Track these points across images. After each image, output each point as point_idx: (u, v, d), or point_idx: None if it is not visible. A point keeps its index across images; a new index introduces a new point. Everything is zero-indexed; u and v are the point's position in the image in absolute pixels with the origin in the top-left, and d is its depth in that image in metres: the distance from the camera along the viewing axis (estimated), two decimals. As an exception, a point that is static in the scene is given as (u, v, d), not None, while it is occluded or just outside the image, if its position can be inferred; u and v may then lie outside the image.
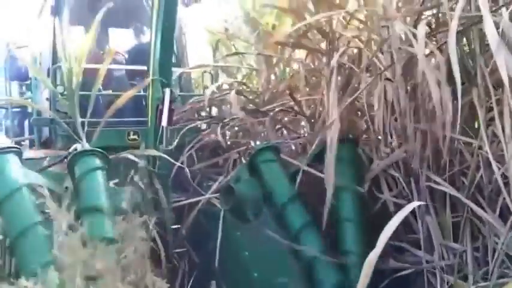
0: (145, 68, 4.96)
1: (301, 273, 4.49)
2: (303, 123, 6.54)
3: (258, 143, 5.53)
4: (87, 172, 4.43)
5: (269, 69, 6.64)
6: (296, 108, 6.09)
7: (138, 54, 6.87)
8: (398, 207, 4.91)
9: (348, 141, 4.95)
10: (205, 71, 7.00)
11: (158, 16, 4.60)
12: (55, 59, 6.15)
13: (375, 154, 5.16)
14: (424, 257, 4.75)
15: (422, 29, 4.33)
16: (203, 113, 6.79)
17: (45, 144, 6.32)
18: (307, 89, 6.14)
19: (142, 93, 5.40)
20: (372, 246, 2.99)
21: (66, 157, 4.59)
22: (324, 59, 5.58)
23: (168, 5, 4.53)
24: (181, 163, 5.40)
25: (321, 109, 5.63)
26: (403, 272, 4.82)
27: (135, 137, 5.78)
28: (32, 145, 6.73)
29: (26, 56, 7.11)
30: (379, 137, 5.14)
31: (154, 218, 4.55)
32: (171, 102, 4.52)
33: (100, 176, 4.45)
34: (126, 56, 7.81)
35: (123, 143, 5.71)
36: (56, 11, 6.62)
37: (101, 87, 5.89)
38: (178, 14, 5.79)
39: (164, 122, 4.50)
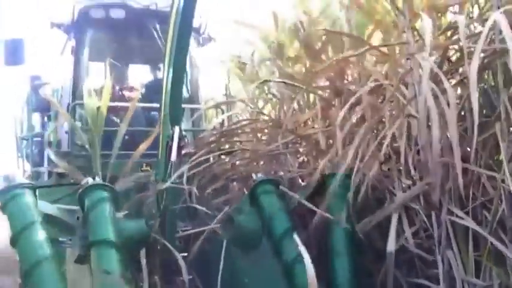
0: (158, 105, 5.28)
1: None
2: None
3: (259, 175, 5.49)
4: (96, 205, 4.67)
5: (291, 99, 6.64)
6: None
7: (153, 90, 7.17)
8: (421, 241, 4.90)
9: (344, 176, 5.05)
10: (217, 107, 7.41)
11: (170, 56, 4.85)
12: (75, 95, 6.75)
13: (397, 186, 5.10)
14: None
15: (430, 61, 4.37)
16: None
17: (63, 175, 6.46)
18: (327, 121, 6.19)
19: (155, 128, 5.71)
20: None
21: (78, 189, 4.85)
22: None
23: (179, 44, 4.75)
24: (190, 193, 5.56)
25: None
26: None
27: (148, 168, 6.08)
28: (50, 175, 6.88)
29: (48, 90, 7.59)
30: (400, 169, 5.09)
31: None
32: (179, 139, 4.83)
33: (107, 210, 4.68)
34: (143, 90, 8.13)
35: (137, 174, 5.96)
36: (77, 51, 7.11)
37: (118, 121, 6.42)
38: (190, 54, 6.71)
39: (173, 157, 4.80)
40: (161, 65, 6.32)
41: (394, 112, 5.22)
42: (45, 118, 8.10)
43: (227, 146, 6.92)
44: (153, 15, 7.31)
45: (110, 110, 6.47)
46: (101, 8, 7.17)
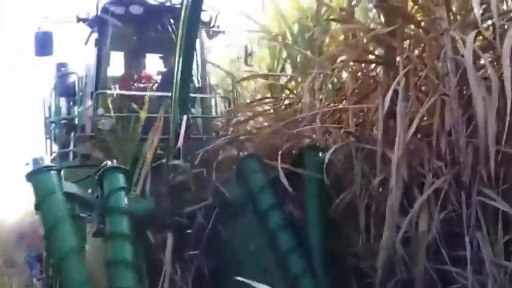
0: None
1: (276, 262, 5.50)
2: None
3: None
4: (112, 186, 5.38)
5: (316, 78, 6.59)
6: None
7: (167, 78, 7.60)
8: (449, 223, 4.79)
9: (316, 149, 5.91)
10: (224, 96, 8.20)
11: (180, 48, 5.33)
12: (98, 83, 7.50)
13: (427, 167, 4.99)
14: (472, 276, 4.54)
15: (471, 38, 4.27)
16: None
17: (88, 156, 7.04)
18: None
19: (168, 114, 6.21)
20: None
21: (98, 171, 5.53)
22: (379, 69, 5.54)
23: (188, 37, 5.25)
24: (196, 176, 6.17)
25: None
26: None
27: (161, 152, 6.47)
28: (75, 156, 7.46)
29: (74, 77, 8.29)
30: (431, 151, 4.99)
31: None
32: (187, 127, 5.54)
33: (122, 191, 5.37)
34: (158, 78, 8.70)
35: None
36: (100, 43, 7.80)
37: (136, 107, 7.03)
38: (200, 45, 7.42)
39: (180, 143, 5.51)
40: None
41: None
42: (71, 103, 8.73)
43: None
44: (168, 11, 7.92)
45: (129, 97, 7.52)
46: (122, 5, 7.76)
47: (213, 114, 8.32)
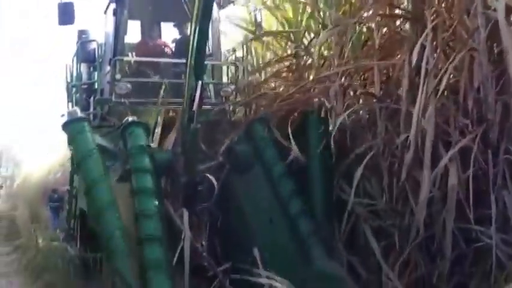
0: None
1: (281, 210, 6.12)
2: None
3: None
4: (134, 139, 6.05)
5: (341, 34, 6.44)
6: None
7: (181, 46, 7.98)
8: (474, 181, 4.70)
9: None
10: (234, 63, 8.27)
11: (196, 17, 5.37)
12: (115, 51, 7.75)
13: (453, 125, 4.89)
14: (496, 235, 4.48)
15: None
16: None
17: (105, 118, 7.57)
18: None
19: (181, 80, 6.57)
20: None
21: (120, 126, 6.27)
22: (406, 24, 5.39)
23: (205, 6, 5.30)
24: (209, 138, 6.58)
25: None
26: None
27: (174, 115, 6.90)
28: (95, 118, 7.84)
29: (94, 44, 8.57)
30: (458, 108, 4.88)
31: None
32: (201, 92, 5.70)
33: (143, 142, 6.07)
34: (173, 46, 8.75)
35: (165, 118, 6.91)
36: (118, 12, 7.92)
37: (151, 74, 7.64)
38: (213, 14, 7.25)
39: (195, 107, 5.71)
40: (188, 24, 6.82)
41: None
42: (91, 69, 9.15)
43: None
44: None
45: (144, 63, 7.94)
46: None
47: (224, 81, 8.48)
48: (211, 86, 8.24)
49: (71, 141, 6.26)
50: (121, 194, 5.62)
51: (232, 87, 7.89)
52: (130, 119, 6.29)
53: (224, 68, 8.57)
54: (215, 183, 6.18)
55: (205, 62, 6.40)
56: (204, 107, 6.21)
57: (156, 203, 5.57)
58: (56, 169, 22.50)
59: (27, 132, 33.77)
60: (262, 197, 6.30)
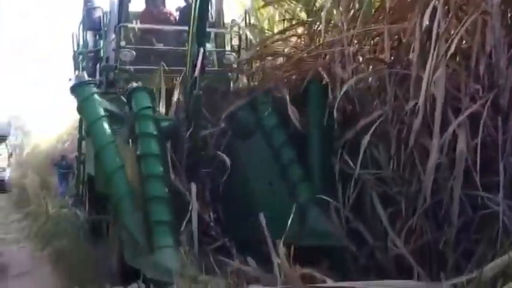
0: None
1: (280, 176, 6.43)
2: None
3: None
4: (139, 103, 6.37)
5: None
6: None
7: (186, 15, 7.74)
8: (482, 148, 4.66)
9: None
10: (236, 32, 8.33)
11: None
12: (120, 18, 7.82)
13: (463, 91, 4.83)
14: (503, 202, 4.45)
15: None
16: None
17: (111, 84, 7.80)
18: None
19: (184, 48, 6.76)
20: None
21: (125, 92, 6.65)
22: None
23: None
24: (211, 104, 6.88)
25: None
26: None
27: (177, 82, 7.04)
28: (101, 84, 7.90)
29: (99, 12, 8.59)
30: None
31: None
32: (203, 59, 5.90)
33: (149, 107, 6.37)
34: (177, 15, 8.79)
35: (169, 85, 7.24)
36: None
37: (155, 41, 7.93)
38: None
39: (197, 74, 5.89)
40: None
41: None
42: (97, 36, 9.26)
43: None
44: None
45: (149, 31, 8.17)
46: None
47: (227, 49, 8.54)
48: (214, 54, 8.25)
49: (80, 107, 6.61)
50: (128, 157, 5.99)
51: (235, 55, 7.99)
52: (135, 84, 6.63)
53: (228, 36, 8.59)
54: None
55: (208, 30, 6.71)
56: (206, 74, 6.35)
57: (161, 166, 5.92)
58: (64, 138, 22.66)
59: (36, 102, 34.01)
60: (263, 162, 6.57)
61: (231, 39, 8.52)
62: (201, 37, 5.98)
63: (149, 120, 6.27)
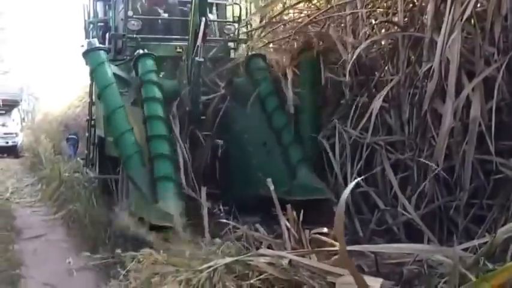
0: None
1: (274, 136, 7.00)
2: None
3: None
4: (145, 68, 7.02)
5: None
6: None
7: None
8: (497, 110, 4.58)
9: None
10: (237, 3, 8.67)
11: None
12: None
13: (478, 53, 4.72)
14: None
15: None
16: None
17: (119, 51, 8.39)
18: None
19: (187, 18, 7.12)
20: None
21: (132, 58, 7.32)
22: None
23: None
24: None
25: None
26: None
27: (180, 50, 7.60)
28: (110, 51, 8.32)
29: None
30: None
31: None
32: (205, 27, 6.29)
33: (153, 72, 7.01)
34: None
35: (172, 53, 7.85)
36: None
37: (160, 11, 8.49)
38: None
39: (199, 42, 6.30)
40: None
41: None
42: (107, 7, 9.77)
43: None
44: None
45: (154, 2, 8.64)
46: None
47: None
48: (216, 24, 8.67)
49: (91, 72, 7.16)
50: (134, 116, 6.55)
51: (236, 25, 8.43)
52: (141, 51, 7.25)
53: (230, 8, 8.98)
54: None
55: (210, 1, 7.27)
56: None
57: (165, 127, 6.51)
58: (75, 104, 22.70)
59: (48, 69, 34.06)
60: (258, 125, 7.14)
61: (233, 10, 8.78)
62: (203, 7, 6.40)
63: (154, 85, 6.82)
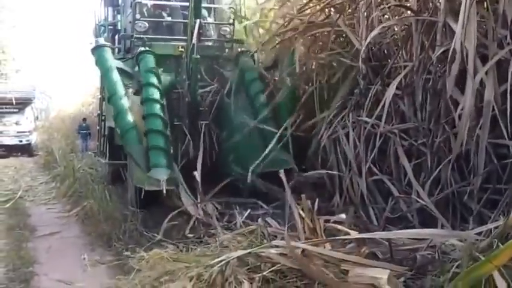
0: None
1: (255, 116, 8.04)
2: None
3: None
4: (146, 63, 8.08)
5: None
6: None
7: None
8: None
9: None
10: (230, 7, 9.59)
11: None
12: None
13: (491, 36, 4.63)
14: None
15: None
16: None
17: (128, 51, 9.50)
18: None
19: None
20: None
21: (134, 55, 8.46)
22: None
23: None
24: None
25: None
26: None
27: (182, 49, 8.34)
28: (119, 51, 9.84)
29: None
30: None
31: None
32: (199, 28, 7.33)
33: (153, 66, 8.03)
34: None
35: (175, 52, 8.65)
36: None
37: (164, 14, 9.64)
38: None
39: (194, 40, 7.25)
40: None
41: None
42: (115, 12, 11.24)
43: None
44: None
45: (159, 6, 9.67)
46: None
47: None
48: (212, 26, 9.67)
49: (97, 62, 8.29)
50: (136, 104, 7.59)
51: (231, 27, 9.23)
52: (142, 48, 8.35)
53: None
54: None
55: (203, 5, 8.23)
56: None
57: (159, 107, 7.43)
58: (88, 101, 22.82)
59: (62, 68, 34.28)
60: (246, 113, 8.05)
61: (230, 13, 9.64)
62: (198, 10, 7.35)
63: (152, 74, 7.84)
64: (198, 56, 7.38)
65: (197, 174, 6.83)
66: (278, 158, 7.21)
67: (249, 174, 7.02)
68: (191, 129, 8.04)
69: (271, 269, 3.55)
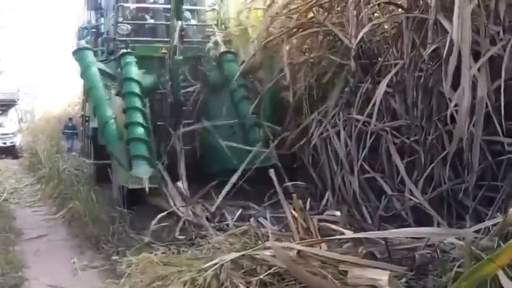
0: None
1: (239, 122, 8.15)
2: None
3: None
4: (127, 65, 8.21)
5: None
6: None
7: None
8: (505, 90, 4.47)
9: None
10: (213, 8, 9.91)
11: None
12: None
13: (483, 32, 4.61)
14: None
15: None
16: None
17: (111, 53, 9.61)
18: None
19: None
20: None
21: (116, 57, 8.68)
22: None
23: None
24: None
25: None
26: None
27: (165, 51, 8.35)
28: (102, 53, 10.13)
29: None
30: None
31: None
32: (181, 31, 7.42)
33: (134, 66, 8.20)
34: None
35: (157, 53, 8.79)
36: None
37: (147, 17, 9.90)
38: None
39: (175, 42, 7.37)
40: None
41: None
42: (98, 15, 11.48)
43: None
44: None
45: (141, 9, 9.87)
46: None
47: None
48: (195, 28, 9.90)
49: (77, 61, 8.49)
50: (117, 105, 7.77)
51: (214, 28, 9.41)
52: (124, 50, 8.48)
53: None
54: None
55: (184, 7, 8.19)
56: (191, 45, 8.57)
57: (141, 115, 7.51)
58: (74, 102, 22.58)
59: (45, 69, 33.90)
60: (228, 109, 8.26)
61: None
62: (179, 13, 7.45)
63: (133, 81, 7.92)
64: (181, 57, 7.57)
65: (182, 172, 7.02)
66: (261, 155, 7.22)
67: (235, 174, 6.93)
68: (175, 129, 8.01)
69: (268, 272, 3.47)
